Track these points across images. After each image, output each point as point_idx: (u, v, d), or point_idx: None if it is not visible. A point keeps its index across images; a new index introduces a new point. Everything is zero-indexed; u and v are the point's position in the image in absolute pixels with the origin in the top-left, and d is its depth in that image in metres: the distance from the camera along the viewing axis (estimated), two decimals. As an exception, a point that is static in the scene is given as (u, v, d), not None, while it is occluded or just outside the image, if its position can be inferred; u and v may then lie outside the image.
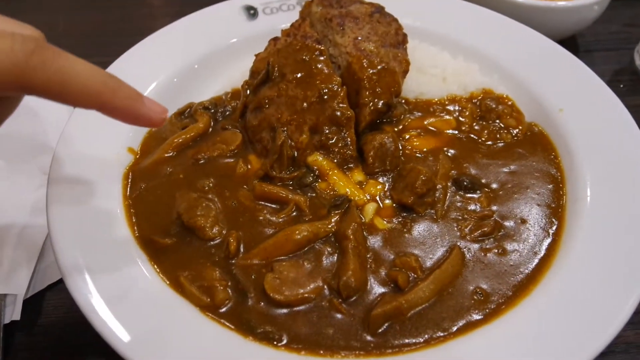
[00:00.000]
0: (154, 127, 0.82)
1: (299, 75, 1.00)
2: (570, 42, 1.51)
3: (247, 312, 0.80)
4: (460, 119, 1.10)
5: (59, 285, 0.98)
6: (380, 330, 0.79)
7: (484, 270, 0.87)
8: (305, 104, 0.98)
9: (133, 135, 1.03)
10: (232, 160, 1.00)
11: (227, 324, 0.79)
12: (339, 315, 0.80)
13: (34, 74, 0.57)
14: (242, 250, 0.87)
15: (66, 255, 0.80)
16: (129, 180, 0.96)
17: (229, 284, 0.83)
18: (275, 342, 0.77)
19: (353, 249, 0.85)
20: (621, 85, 1.42)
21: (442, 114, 1.11)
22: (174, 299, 0.81)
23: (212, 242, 0.88)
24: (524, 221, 0.94)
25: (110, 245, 0.85)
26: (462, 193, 0.97)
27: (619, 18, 1.63)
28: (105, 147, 0.98)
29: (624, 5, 1.64)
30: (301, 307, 0.81)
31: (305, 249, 0.87)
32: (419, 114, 1.11)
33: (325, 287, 0.83)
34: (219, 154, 1.01)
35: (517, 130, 1.09)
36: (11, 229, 1.00)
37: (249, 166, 0.99)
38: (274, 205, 0.94)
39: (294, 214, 0.92)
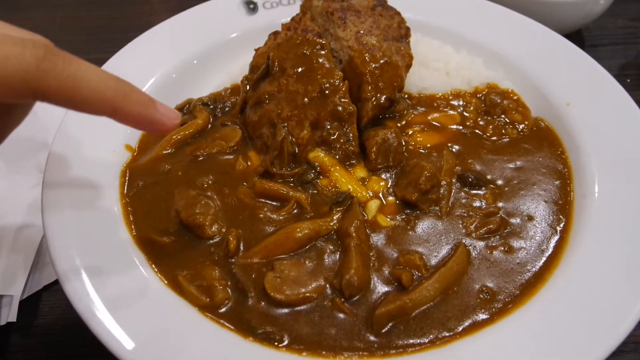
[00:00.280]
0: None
1: (299, 69, 0.99)
2: (576, 37, 1.50)
3: (247, 312, 0.79)
4: (465, 114, 1.09)
5: (56, 286, 0.96)
6: (384, 330, 0.77)
7: (490, 268, 0.85)
8: (306, 99, 0.96)
9: (130, 132, 1.01)
10: (231, 156, 0.99)
11: (227, 324, 0.77)
12: (341, 315, 0.79)
13: (44, 80, 0.57)
14: (242, 248, 0.86)
15: (62, 255, 0.78)
16: (127, 178, 0.95)
17: (229, 283, 0.82)
18: (276, 343, 0.76)
19: (356, 247, 0.83)
20: (628, 80, 1.40)
21: (446, 109, 1.09)
22: (173, 299, 0.79)
23: (211, 241, 0.87)
24: (530, 218, 0.92)
25: (107, 245, 0.84)
26: (467, 189, 0.95)
27: (626, 12, 1.61)
28: (102, 145, 0.97)
29: (630, 0, 1.62)
30: (303, 307, 0.80)
31: (307, 247, 0.86)
32: (423, 109, 1.09)
33: (328, 286, 0.82)
34: (218, 151, 1.00)
35: (523, 125, 1.07)
36: (7, 229, 0.99)
37: (249, 163, 0.98)
38: (274, 203, 0.92)
39: (295, 211, 0.91)
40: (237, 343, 0.75)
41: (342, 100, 0.96)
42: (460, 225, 0.90)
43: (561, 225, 0.91)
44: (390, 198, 0.94)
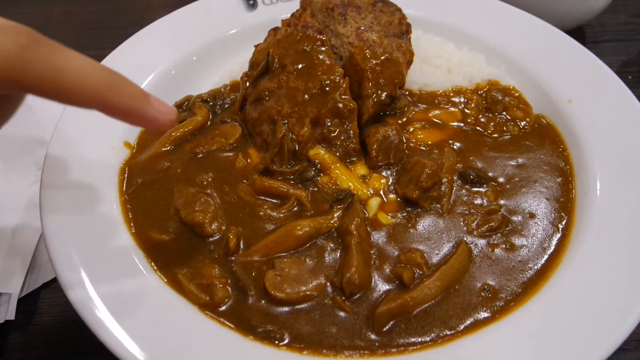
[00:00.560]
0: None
1: (299, 66, 0.98)
2: (578, 33, 1.49)
3: (247, 310, 0.78)
4: (466, 111, 1.08)
5: (54, 284, 0.96)
6: (385, 329, 0.77)
7: (492, 266, 0.85)
8: (306, 96, 0.96)
9: (129, 130, 1.00)
10: (231, 154, 0.98)
11: (227, 322, 0.77)
12: (342, 314, 0.78)
13: (27, 70, 0.53)
14: (242, 246, 0.85)
15: (60, 254, 0.78)
16: (126, 176, 0.94)
17: (229, 281, 0.81)
18: (276, 342, 0.75)
19: (356, 244, 0.83)
20: (630, 77, 1.39)
21: (447, 106, 1.09)
22: (172, 297, 0.78)
23: (211, 239, 0.86)
24: (532, 216, 0.92)
25: (106, 243, 0.83)
26: (468, 187, 0.95)
27: (627, 9, 1.61)
28: (101, 142, 0.96)
29: (631, -4, 1.62)
30: (303, 305, 0.79)
31: (307, 245, 0.85)
32: (424, 106, 1.08)
33: (328, 284, 0.81)
34: (218, 148, 0.99)
35: (524, 122, 1.07)
36: (5, 227, 0.98)
37: (249, 160, 0.97)
38: (274, 200, 0.91)
39: (295, 209, 0.90)
40: (237, 342, 0.74)
41: (343, 97, 0.95)
42: (462, 223, 0.90)
43: (563, 223, 0.91)
44: (391, 196, 0.93)
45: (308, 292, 0.80)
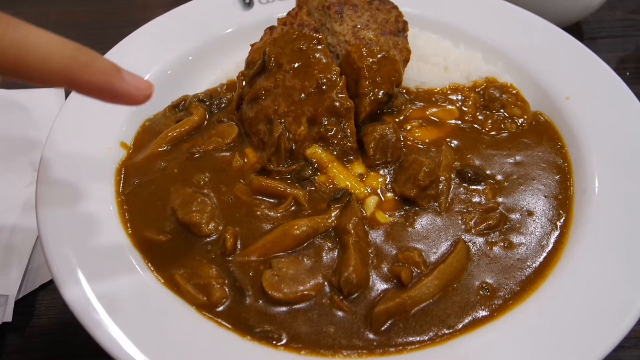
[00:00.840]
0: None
1: (296, 65, 0.97)
2: (575, 30, 1.49)
3: (245, 310, 0.78)
4: (463, 108, 1.08)
5: (52, 285, 0.95)
6: (383, 328, 0.77)
7: (490, 264, 0.84)
8: (303, 95, 0.95)
9: (126, 130, 1.00)
10: (228, 153, 0.98)
11: (224, 323, 0.76)
12: (340, 313, 0.78)
13: None
14: (239, 246, 0.85)
15: (57, 255, 0.77)
16: (122, 176, 0.94)
17: (226, 281, 0.81)
18: (274, 342, 0.75)
19: (354, 244, 0.82)
20: (627, 73, 1.39)
21: (444, 104, 1.08)
22: (169, 297, 0.78)
23: (208, 239, 0.86)
24: (530, 213, 0.91)
25: (103, 244, 0.82)
26: (466, 185, 0.95)
27: (624, 5, 1.60)
28: (97, 142, 0.95)
29: (628, -8, 1.61)
30: (301, 305, 0.79)
31: (305, 244, 0.85)
32: (421, 104, 1.08)
33: (326, 283, 0.81)
34: (215, 148, 0.99)
35: (522, 119, 1.06)
36: (1, 228, 0.98)
37: (246, 160, 0.97)
38: (271, 200, 0.91)
39: (293, 208, 0.90)
40: (234, 342, 0.74)
41: (340, 95, 0.95)
42: (460, 221, 0.89)
43: (561, 220, 0.90)
44: (389, 194, 0.93)
45: (306, 292, 0.79)
